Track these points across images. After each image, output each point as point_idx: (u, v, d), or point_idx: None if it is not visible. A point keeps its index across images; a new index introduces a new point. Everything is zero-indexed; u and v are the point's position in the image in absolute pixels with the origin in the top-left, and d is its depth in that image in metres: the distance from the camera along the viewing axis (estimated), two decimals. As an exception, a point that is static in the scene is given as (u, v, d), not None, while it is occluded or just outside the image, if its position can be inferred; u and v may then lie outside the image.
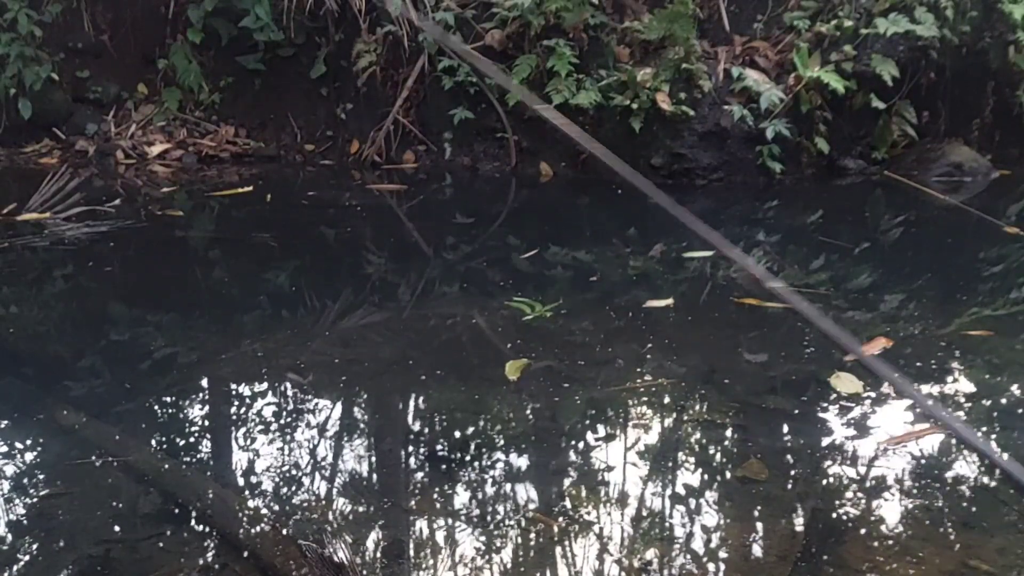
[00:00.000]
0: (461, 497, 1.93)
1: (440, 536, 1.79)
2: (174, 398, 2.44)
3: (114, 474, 2.04)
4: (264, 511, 1.88)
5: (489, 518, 1.85)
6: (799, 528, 1.81)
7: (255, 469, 2.06)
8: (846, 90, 5.20)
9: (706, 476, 2.03)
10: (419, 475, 2.04)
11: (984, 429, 2.25)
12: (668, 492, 1.96)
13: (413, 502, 1.92)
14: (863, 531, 1.80)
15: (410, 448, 2.17)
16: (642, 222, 4.67)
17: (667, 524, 1.83)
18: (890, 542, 1.76)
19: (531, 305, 3.09)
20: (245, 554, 1.73)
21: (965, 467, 2.07)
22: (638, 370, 2.60)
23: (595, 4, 5.53)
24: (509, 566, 1.69)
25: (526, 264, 3.81)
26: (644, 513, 1.87)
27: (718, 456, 2.13)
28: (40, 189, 4.46)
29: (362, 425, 2.30)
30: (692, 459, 2.10)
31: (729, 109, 5.28)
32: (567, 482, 2.00)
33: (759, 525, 1.82)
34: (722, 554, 1.72)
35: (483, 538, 1.78)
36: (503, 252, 4.17)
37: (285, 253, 4.14)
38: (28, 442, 2.22)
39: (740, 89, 5.35)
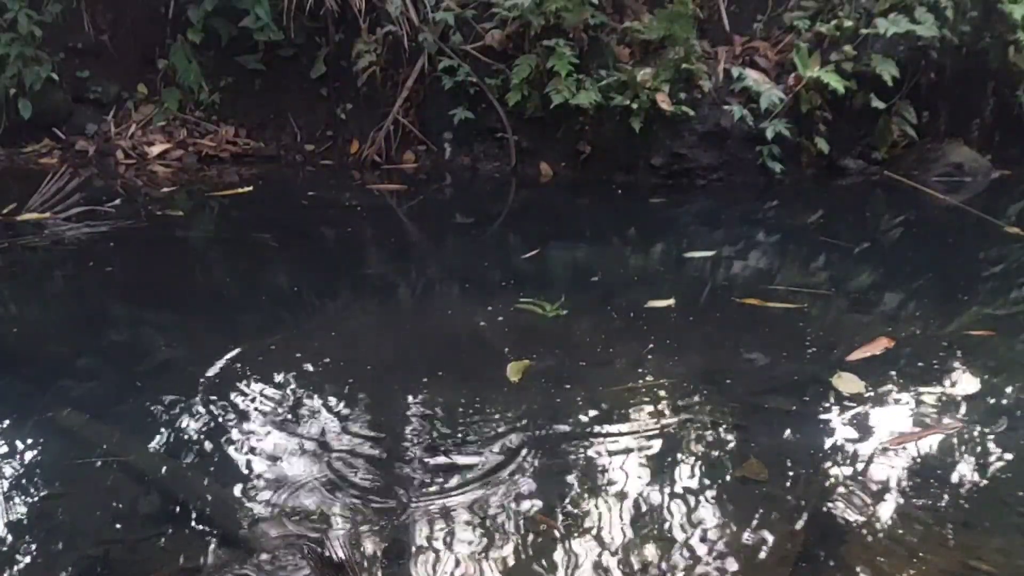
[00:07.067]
0: (461, 497, 1.93)
1: (440, 536, 1.79)
2: (174, 398, 2.44)
3: (114, 474, 2.04)
4: (264, 511, 1.88)
5: (489, 518, 1.85)
6: (799, 528, 1.81)
7: (255, 469, 2.06)
8: (846, 90, 5.21)
9: (706, 476, 2.03)
10: (420, 475, 2.04)
11: (986, 429, 2.24)
12: (668, 492, 1.95)
13: (413, 502, 1.91)
14: (863, 531, 1.80)
15: (411, 448, 2.17)
16: (642, 222, 4.67)
17: (667, 524, 1.83)
18: (890, 542, 1.76)
19: (540, 306, 3.09)
20: (245, 554, 1.72)
21: (965, 467, 2.07)
22: (639, 370, 2.60)
23: (595, 4, 5.54)
24: (509, 566, 1.69)
25: (527, 264, 3.80)
26: (644, 513, 1.87)
27: (718, 456, 2.12)
28: (40, 189, 4.46)
29: (362, 425, 2.30)
30: (692, 459, 2.10)
31: (729, 109, 5.28)
32: (567, 482, 2.00)
33: (759, 525, 1.82)
34: (722, 554, 1.72)
35: (483, 538, 1.78)
36: (503, 252, 4.17)
37: (285, 253, 4.14)
38: (28, 442, 2.21)
39: (740, 89, 5.35)
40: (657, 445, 2.16)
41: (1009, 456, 2.14)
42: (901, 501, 1.92)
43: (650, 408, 2.36)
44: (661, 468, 2.05)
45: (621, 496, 1.93)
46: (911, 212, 4.91)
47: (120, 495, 1.96)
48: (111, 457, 2.10)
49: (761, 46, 5.69)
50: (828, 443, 2.18)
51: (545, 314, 3.04)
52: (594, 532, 1.80)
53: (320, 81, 6.39)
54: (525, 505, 1.90)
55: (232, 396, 2.45)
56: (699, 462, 2.09)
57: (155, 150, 6.37)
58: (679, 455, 2.12)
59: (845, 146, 5.57)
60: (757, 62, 5.59)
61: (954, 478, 2.01)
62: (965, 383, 2.52)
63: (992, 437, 2.21)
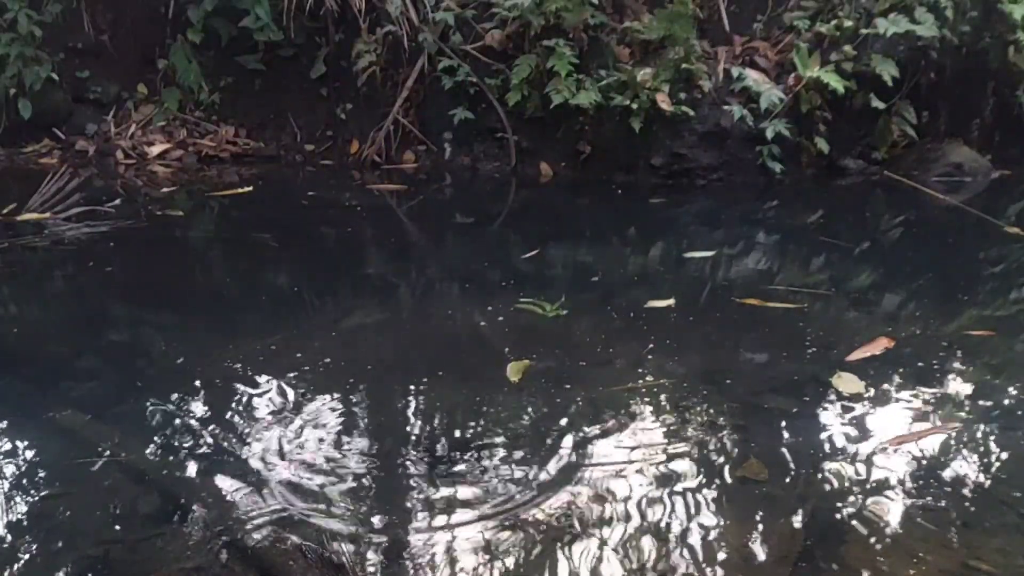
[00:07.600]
0: (461, 498, 1.93)
1: (440, 537, 1.79)
2: (174, 398, 2.44)
3: (114, 474, 2.04)
4: (264, 511, 1.88)
5: (489, 519, 1.85)
6: (799, 528, 1.81)
7: (255, 469, 2.06)
8: (846, 90, 5.21)
9: (706, 476, 2.03)
10: (420, 476, 2.04)
11: (986, 429, 2.24)
12: (668, 492, 1.95)
13: (413, 502, 1.92)
14: (863, 531, 1.80)
15: (411, 449, 2.17)
16: (642, 222, 4.67)
17: (667, 524, 1.83)
18: (890, 542, 1.76)
19: (540, 306, 3.09)
20: (245, 554, 1.72)
21: (965, 467, 2.07)
22: (639, 370, 2.60)
23: (595, 4, 5.54)
24: (509, 567, 1.69)
25: (527, 264, 3.80)
26: (644, 513, 1.87)
27: (718, 456, 2.12)
28: (40, 189, 4.47)
29: (362, 426, 2.30)
30: (692, 459, 2.10)
31: (729, 109, 5.28)
32: (567, 482, 1.99)
33: (759, 525, 1.82)
34: (722, 554, 1.72)
35: (483, 539, 1.77)
36: (503, 252, 4.17)
37: (285, 253, 4.14)
38: (28, 442, 2.21)
39: (740, 89, 5.35)
40: (657, 445, 2.16)
41: (1009, 456, 2.14)
42: (901, 501, 1.92)
43: (650, 408, 2.36)
44: (661, 468, 2.05)
45: (621, 496, 1.93)
46: (911, 212, 4.91)
47: (120, 495, 1.96)
48: (111, 457, 2.10)
49: (761, 46, 5.69)
50: (828, 443, 2.18)
51: (545, 314, 3.04)
52: (593, 532, 1.80)
53: (320, 81, 6.39)
54: (524, 504, 1.90)
55: (232, 396, 2.45)
56: (699, 462, 2.09)
57: (155, 150, 6.37)
58: (679, 455, 2.12)
59: (845, 146, 5.57)
60: (757, 62, 5.59)
61: (954, 478, 2.01)
62: (965, 383, 2.52)
63: (992, 437, 2.21)
